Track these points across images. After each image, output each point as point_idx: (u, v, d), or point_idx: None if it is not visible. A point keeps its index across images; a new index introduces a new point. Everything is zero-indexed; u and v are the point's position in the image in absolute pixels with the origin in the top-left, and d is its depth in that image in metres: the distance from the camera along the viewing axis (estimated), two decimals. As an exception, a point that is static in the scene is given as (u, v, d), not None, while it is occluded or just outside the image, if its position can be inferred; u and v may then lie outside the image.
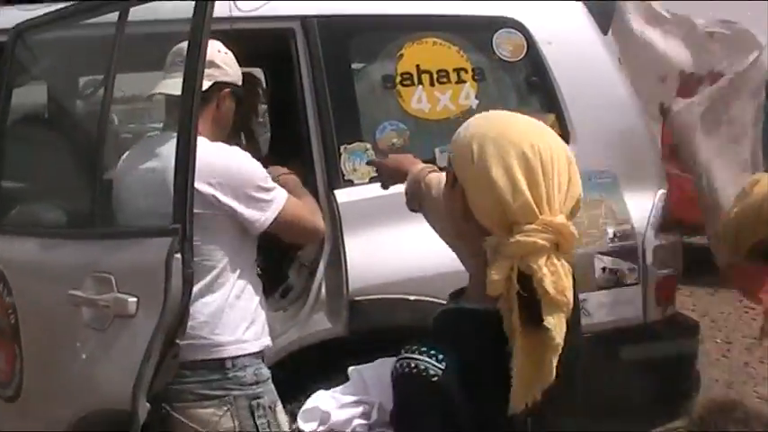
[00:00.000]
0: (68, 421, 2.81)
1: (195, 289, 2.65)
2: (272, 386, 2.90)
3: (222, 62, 2.93)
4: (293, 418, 3.14)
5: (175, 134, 2.58)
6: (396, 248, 3.31)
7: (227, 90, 2.95)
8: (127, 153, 3.07)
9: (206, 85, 2.78)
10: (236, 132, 4.01)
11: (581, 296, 3.33)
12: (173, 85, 2.77)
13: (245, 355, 2.82)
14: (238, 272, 2.84)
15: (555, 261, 1.52)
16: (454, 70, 3.51)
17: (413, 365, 1.58)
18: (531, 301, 1.51)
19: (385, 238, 3.31)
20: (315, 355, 3.33)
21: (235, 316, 2.83)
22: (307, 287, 3.34)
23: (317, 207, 3.10)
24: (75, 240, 3.00)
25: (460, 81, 3.51)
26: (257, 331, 2.90)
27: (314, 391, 3.11)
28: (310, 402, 1.89)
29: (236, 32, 3.57)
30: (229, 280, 2.82)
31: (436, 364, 1.56)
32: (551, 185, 1.56)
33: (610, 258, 3.51)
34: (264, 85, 4.56)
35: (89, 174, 2.99)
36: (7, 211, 3.44)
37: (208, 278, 2.77)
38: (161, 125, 3.39)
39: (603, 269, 3.50)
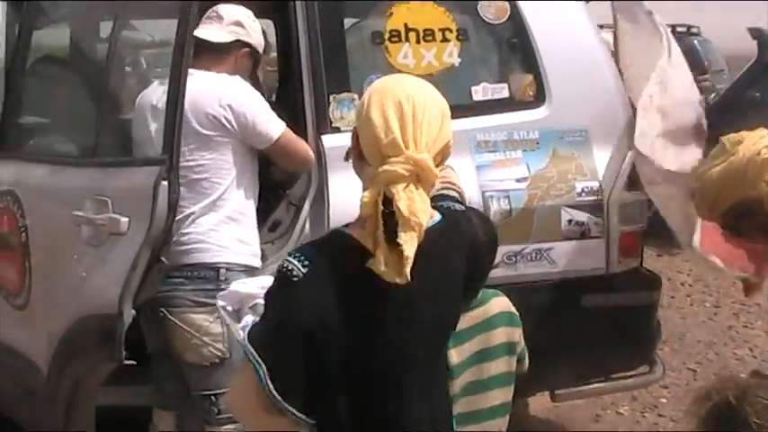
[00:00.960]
0: (66, 325, 3.16)
1: (203, 203, 3.19)
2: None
3: (248, 26, 3.45)
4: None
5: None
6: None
7: (247, 50, 3.46)
8: (142, 93, 3.45)
9: (229, 38, 3.39)
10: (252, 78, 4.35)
11: (547, 245, 3.68)
12: (207, 32, 3.35)
13: (238, 269, 3.20)
14: (241, 192, 3.29)
15: (413, 189, 1.85)
16: (440, 29, 3.75)
17: (285, 264, 1.93)
18: (392, 221, 1.84)
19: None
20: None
21: (234, 230, 3.26)
22: (293, 222, 3.64)
23: (306, 143, 3.51)
24: (80, 168, 3.35)
25: (445, 40, 3.76)
26: (251, 249, 3.31)
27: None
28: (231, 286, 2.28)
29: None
30: (232, 198, 3.26)
31: (301, 268, 1.91)
32: (419, 129, 1.91)
33: (576, 211, 3.74)
34: (274, 37, 4.87)
35: (95, 110, 3.35)
36: (26, 142, 3.82)
37: (214, 195, 3.22)
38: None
39: (570, 221, 3.73)
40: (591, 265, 3.79)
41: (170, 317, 3.19)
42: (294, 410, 1.96)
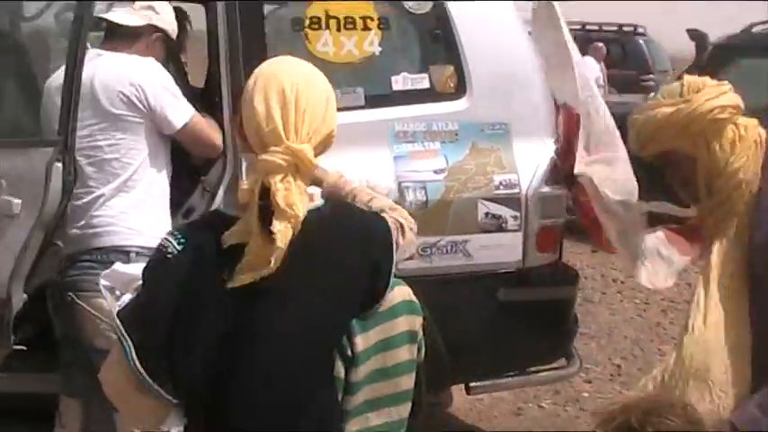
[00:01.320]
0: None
1: (114, 184, 3.13)
2: None
3: (161, 10, 3.41)
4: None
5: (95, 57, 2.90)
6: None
7: (159, 35, 3.42)
8: (51, 77, 3.37)
9: (141, 22, 3.34)
10: (164, 63, 4.28)
11: (463, 237, 3.66)
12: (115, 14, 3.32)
13: (148, 253, 3.13)
14: (153, 174, 3.25)
15: (290, 180, 1.85)
16: (361, 18, 3.70)
17: (162, 241, 1.96)
18: (267, 211, 1.84)
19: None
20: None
21: (144, 214, 3.22)
22: (207, 209, 3.59)
23: (218, 128, 3.47)
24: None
25: (366, 28, 3.71)
26: (162, 233, 3.22)
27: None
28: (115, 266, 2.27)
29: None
30: (144, 180, 3.21)
31: (176, 245, 1.93)
32: (301, 118, 1.89)
33: (494, 204, 3.72)
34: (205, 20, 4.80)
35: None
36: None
37: (125, 175, 3.17)
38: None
39: (487, 214, 3.71)
40: (507, 258, 3.78)
41: (78, 301, 3.13)
42: (161, 390, 1.95)
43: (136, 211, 3.19)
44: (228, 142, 3.55)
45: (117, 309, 2.08)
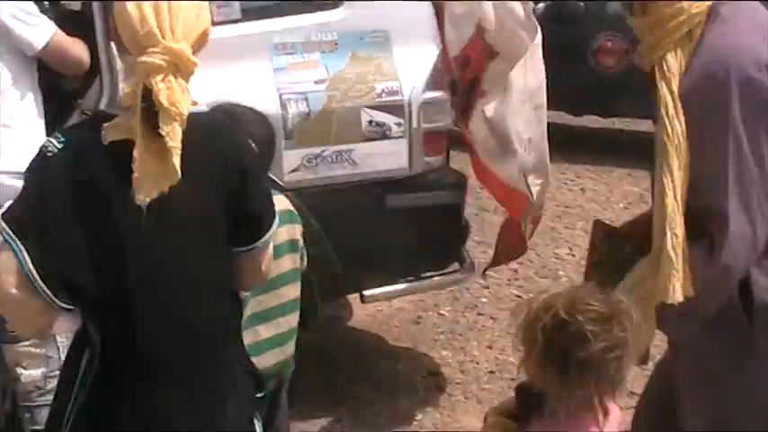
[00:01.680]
0: None
1: None
2: None
3: None
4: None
5: None
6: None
7: None
8: None
9: None
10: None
11: (348, 147, 3.69)
12: None
13: (16, 176, 3.07)
14: (17, 98, 3.22)
15: (172, 79, 1.84)
16: (232, -71, 3.67)
17: (42, 144, 1.95)
18: (152, 112, 1.84)
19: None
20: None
21: (9, 136, 3.17)
22: (86, 133, 3.54)
23: (84, 45, 3.44)
24: None
25: (239, -61, 3.68)
26: (29, 156, 3.15)
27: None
28: None
29: None
30: (7, 103, 3.18)
31: (56, 144, 1.93)
32: (175, 18, 1.88)
33: (377, 112, 3.76)
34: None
35: None
36: None
37: None
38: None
39: (370, 122, 3.75)
40: (394, 165, 3.83)
41: None
42: (51, 294, 1.93)
43: (4, 134, 3.13)
44: (104, 64, 3.48)
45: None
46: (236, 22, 3.66)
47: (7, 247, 1.92)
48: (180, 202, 1.96)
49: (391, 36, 3.82)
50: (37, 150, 1.95)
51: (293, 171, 3.57)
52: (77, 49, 3.37)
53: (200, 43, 1.97)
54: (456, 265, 4.27)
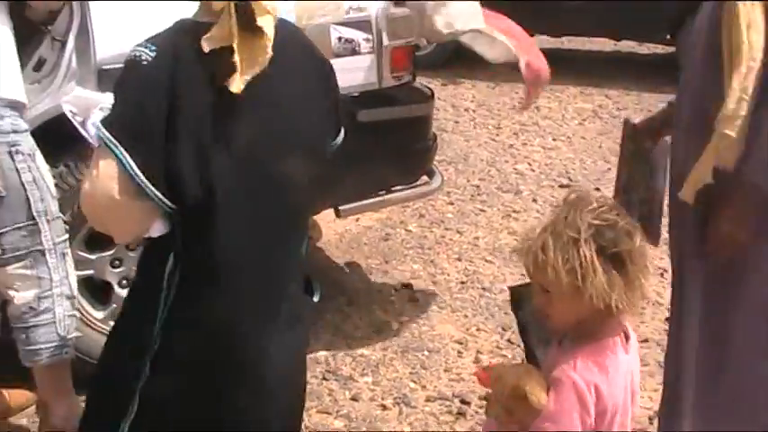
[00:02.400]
0: None
1: None
2: (31, 138, 3.18)
3: None
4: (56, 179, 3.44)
5: None
6: (139, 19, 3.53)
7: None
8: None
9: None
10: None
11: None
12: None
13: (0, 105, 3.09)
14: None
15: None
16: None
17: (131, 53, 2.03)
18: (246, 10, 1.95)
19: (129, 10, 3.53)
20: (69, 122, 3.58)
21: None
22: (59, 59, 3.53)
23: None
24: None
25: None
26: (11, 82, 3.17)
27: (72, 154, 3.42)
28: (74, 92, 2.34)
29: None
30: None
31: (148, 52, 1.99)
32: None
33: (346, 29, 3.81)
34: None
35: None
36: None
37: None
38: None
39: (339, 39, 3.80)
40: (363, 80, 3.89)
41: None
42: (158, 193, 2.00)
43: None
44: (72, -12, 3.50)
45: (91, 126, 2.11)
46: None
47: (107, 154, 2.00)
48: (278, 102, 2.09)
49: (356, -47, 3.86)
50: (125, 62, 2.02)
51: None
52: None
53: None
54: (425, 178, 4.37)
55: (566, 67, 9.27)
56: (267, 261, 2.17)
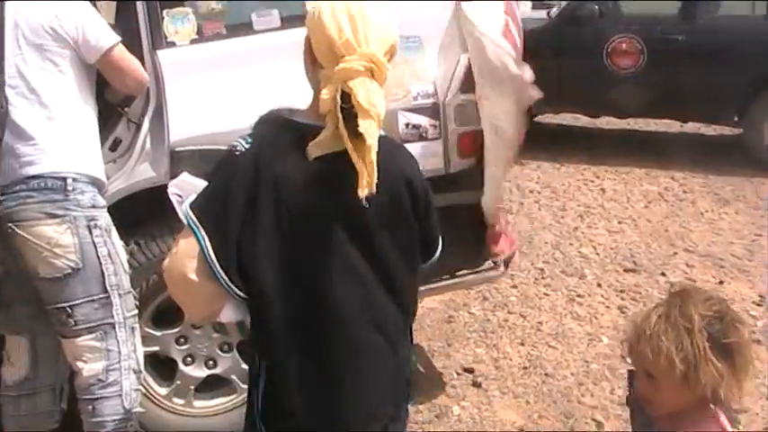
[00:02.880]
0: None
1: (42, 114, 3.17)
2: (108, 215, 3.29)
3: None
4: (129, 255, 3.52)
5: None
6: (212, 104, 3.62)
7: None
8: None
9: None
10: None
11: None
12: None
13: (84, 179, 3.21)
14: (80, 105, 3.29)
15: (369, 83, 2.00)
16: (269, -57, 3.78)
17: (233, 143, 2.14)
18: (351, 114, 1.98)
19: (202, 95, 3.62)
20: (142, 201, 3.67)
21: (76, 141, 3.26)
22: (134, 140, 3.65)
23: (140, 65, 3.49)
24: None
25: (275, -47, 3.78)
26: (95, 161, 3.34)
27: (144, 232, 3.49)
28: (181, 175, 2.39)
29: None
30: (71, 110, 3.25)
31: (244, 144, 2.11)
32: (369, 28, 2.04)
33: (413, 115, 3.85)
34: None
35: None
36: None
37: (52, 105, 3.20)
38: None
39: (407, 124, 3.85)
40: (430, 166, 3.91)
41: (19, 231, 3.16)
42: (226, 278, 2.07)
43: (66, 138, 3.21)
44: (149, 71, 3.60)
45: (184, 205, 2.17)
46: (275, 30, 3.76)
47: (188, 233, 2.09)
48: (366, 211, 2.08)
49: (425, 41, 3.92)
50: (226, 150, 2.13)
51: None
52: (137, 65, 3.43)
53: (390, 53, 2.12)
54: (489, 263, 4.35)
55: (631, 147, 9.29)
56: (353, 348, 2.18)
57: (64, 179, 3.16)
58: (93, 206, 3.24)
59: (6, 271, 3.34)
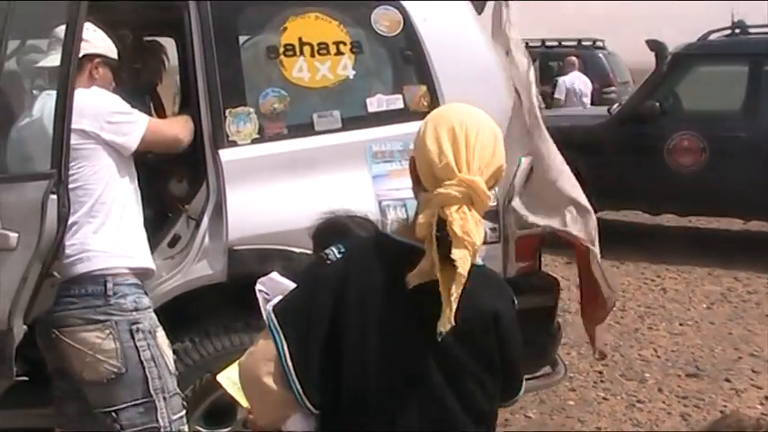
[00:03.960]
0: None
1: (81, 212, 3.16)
2: (153, 314, 3.30)
3: (91, 38, 3.41)
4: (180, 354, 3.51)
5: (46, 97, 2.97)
6: (271, 204, 3.64)
7: (98, 60, 3.45)
8: (26, 112, 3.43)
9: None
10: (142, 95, 4.38)
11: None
12: (52, 59, 3.27)
13: (124, 280, 3.22)
14: (119, 197, 3.29)
15: (466, 210, 1.90)
16: (334, 43, 3.81)
17: (325, 251, 2.12)
18: (445, 241, 1.88)
19: (262, 195, 3.64)
20: (199, 299, 3.68)
21: (114, 234, 3.26)
22: (193, 237, 3.67)
23: (185, 121, 3.59)
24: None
25: (339, 53, 3.82)
26: (136, 253, 3.33)
27: (198, 330, 3.49)
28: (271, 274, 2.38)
29: (143, 4, 3.93)
30: (109, 203, 3.26)
31: (336, 254, 2.06)
32: (471, 153, 1.94)
33: (472, 218, 3.83)
34: (175, 53, 4.92)
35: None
36: None
37: (90, 202, 3.21)
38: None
39: (466, 227, 3.82)
40: (489, 269, 3.87)
41: (63, 337, 3.18)
42: (299, 387, 2.01)
43: (104, 232, 3.22)
44: (210, 170, 3.64)
45: (268, 306, 2.15)
46: (336, 131, 3.79)
47: (268, 335, 2.05)
48: (449, 341, 1.98)
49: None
50: (317, 257, 2.11)
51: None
52: (174, 128, 3.51)
53: (494, 179, 2.03)
54: (547, 368, 4.27)
55: (692, 246, 9.14)
56: None
57: (104, 283, 3.17)
58: (136, 309, 3.24)
59: (57, 368, 3.35)
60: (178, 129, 3.55)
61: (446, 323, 1.89)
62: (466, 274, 1.87)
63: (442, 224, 1.90)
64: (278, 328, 2.04)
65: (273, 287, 2.34)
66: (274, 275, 2.40)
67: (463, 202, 1.91)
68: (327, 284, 2.02)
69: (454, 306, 1.88)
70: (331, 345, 2.00)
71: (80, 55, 3.30)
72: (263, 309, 2.28)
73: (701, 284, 7.91)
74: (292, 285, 2.21)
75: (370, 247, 2.10)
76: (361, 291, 2.01)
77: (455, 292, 1.87)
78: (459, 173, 1.92)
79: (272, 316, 2.06)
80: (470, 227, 1.89)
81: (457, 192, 1.91)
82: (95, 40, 3.46)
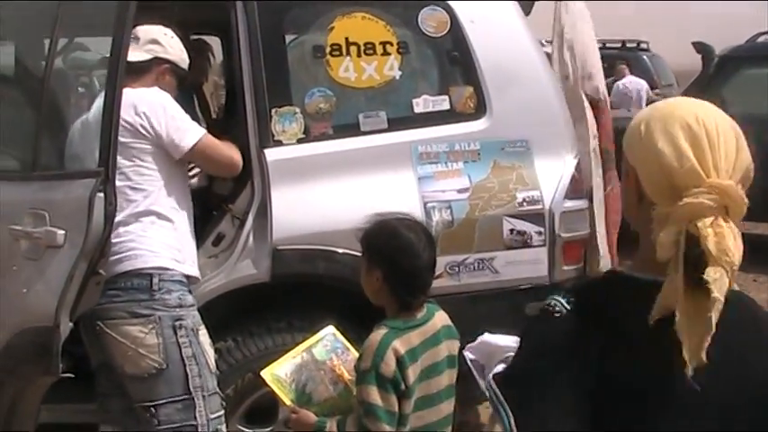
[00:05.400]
0: (6, 339, 3.16)
1: (129, 211, 3.18)
2: (197, 313, 3.30)
3: (166, 43, 3.46)
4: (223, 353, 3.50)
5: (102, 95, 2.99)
6: (316, 204, 3.63)
7: (167, 66, 3.47)
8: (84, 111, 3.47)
9: (146, 57, 3.40)
10: (187, 93, 4.38)
11: (489, 254, 3.71)
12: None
13: (171, 278, 3.22)
14: (170, 198, 3.30)
15: (721, 223, 1.53)
16: (380, 43, 3.79)
17: (547, 302, 1.69)
18: (695, 262, 1.51)
19: (307, 195, 3.63)
20: (242, 298, 3.67)
21: (163, 236, 3.26)
22: (237, 236, 3.66)
23: (234, 147, 3.54)
24: (18, 182, 3.33)
25: (386, 53, 3.80)
26: (183, 256, 3.33)
27: (242, 329, 3.48)
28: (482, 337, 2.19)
29: (190, 3, 3.94)
30: (159, 204, 3.27)
31: (565, 304, 1.66)
32: (717, 153, 1.59)
33: (518, 221, 3.79)
34: (221, 52, 4.93)
35: (35, 126, 3.36)
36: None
37: (139, 201, 3.23)
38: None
39: (512, 230, 3.77)
40: (534, 273, 3.83)
41: (107, 330, 3.19)
42: None
43: (153, 233, 3.23)
44: (255, 169, 3.63)
45: (489, 376, 1.98)
46: (382, 131, 3.77)
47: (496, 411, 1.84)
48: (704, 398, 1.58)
49: (532, 146, 3.87)
50: (540, 309, 1.70)
51: (436, 278, 3.59)
52: (228, 150, 3.48)
53: (743, 182, 1.64)
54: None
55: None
56: None
57: (150, 278, 3.18)
58: (180, 306, 3.24)
59: (102, 363, 3.37)
60: (235, 152, 3.52)
61: (691, 360, 1.49)
62: (722, 299, 1.49)
63: (689, 241, 1.54)
64: (502, 401, 1.81)
65: (485, 351, 2.13)
66: (486, 337, 2.17)
67: (717, 212, 1.54)
68: (559, 343, 1.65)
69: (707, 342, 1.49)
70: (565, 413, 1.62)
71: (151, 57, 3.40)
72: (478, 380, 2.07)
73: (746, 291, 7.74)
74: (505, 343, 2.01)
75: (602, 289, 1.71)
76: (600, 347, 1.61)
77: (707, 322, 1.48)
78: (707, 178, 1.56)
79: (494, 387, 1.86)
80: (729, 243, 1.52)
81: (710, 200, 1.54)
82: (170, 47, 3.50)
